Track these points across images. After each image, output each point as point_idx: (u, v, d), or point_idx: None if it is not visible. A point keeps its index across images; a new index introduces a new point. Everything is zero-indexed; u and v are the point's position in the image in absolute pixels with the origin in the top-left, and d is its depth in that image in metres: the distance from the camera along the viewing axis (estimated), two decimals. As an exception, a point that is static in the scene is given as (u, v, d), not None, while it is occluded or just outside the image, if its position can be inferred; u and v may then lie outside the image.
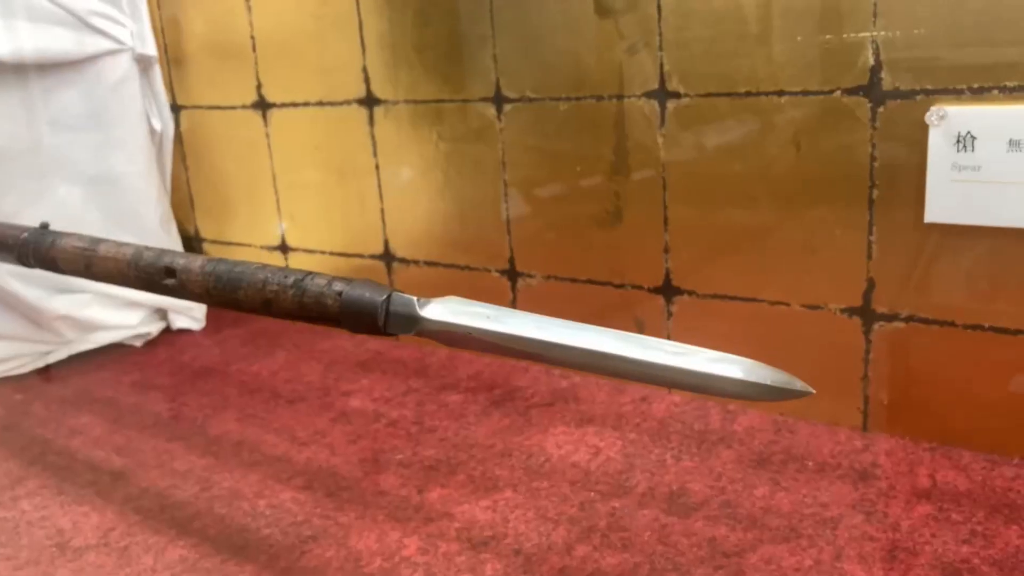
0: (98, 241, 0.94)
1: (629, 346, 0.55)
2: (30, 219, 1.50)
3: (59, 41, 1.50)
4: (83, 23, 1.52)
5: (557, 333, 0.58)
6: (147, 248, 0.88)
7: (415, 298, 0.67)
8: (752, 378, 0.51)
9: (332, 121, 1.47)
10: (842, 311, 1.05)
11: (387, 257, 1.49)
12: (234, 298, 0.78)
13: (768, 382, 0.51)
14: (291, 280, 0.74)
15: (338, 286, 0.71)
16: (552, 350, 0.58)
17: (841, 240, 1.04)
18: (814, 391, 0.50)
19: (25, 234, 1.03)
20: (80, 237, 0.97)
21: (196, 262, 0.82)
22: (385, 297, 0.68)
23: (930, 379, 1.02)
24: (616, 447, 1.07)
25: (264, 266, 0.77)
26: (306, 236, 1.60)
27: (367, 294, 0.69)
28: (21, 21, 1.44)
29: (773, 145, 1.05)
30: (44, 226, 1.04)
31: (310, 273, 0.74)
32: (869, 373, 1.05)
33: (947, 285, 0.98)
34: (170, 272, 0.83)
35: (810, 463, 1.00)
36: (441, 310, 0.65)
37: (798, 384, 0.51)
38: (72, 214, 1.58)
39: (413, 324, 0.67)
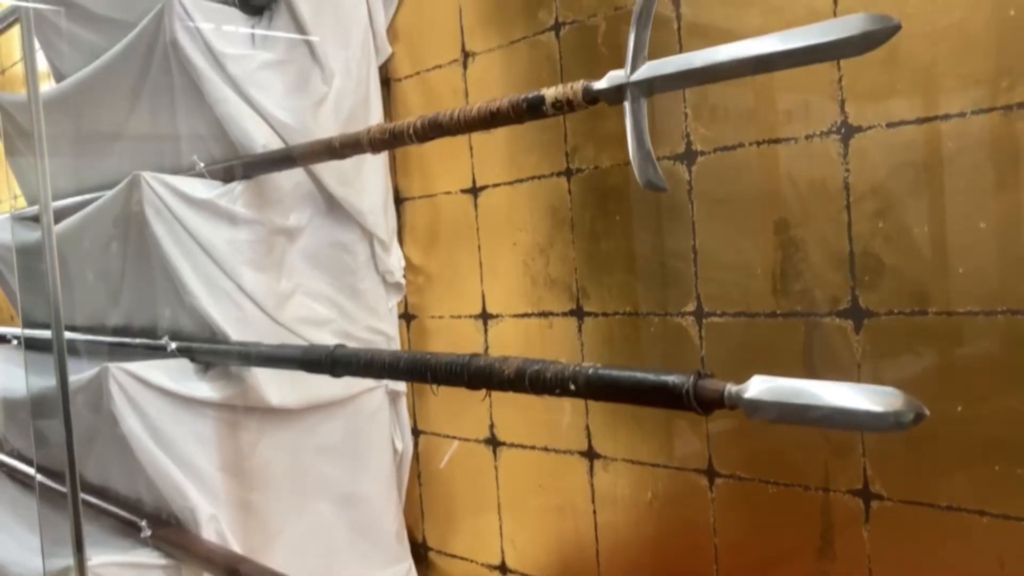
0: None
1: None
2: (292, 535, 1.78)
3: (332, 387, 1.81)
4: (351, 368, 1.83)
5: None
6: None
7: None
8: None
9: (555, 465, 1.68)
10: None
11: (600, 592, 1.63)
12: None
13: None
14: None
15: None
16: None
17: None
18: None
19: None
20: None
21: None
22: None
23: None
24: None
25: None
26: (524, 560, 1.77)
27: None
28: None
29: (977, 562, 1.14)
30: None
31: None
32: None
33: None
34: None
35: None
36: None
37: None
38: (324, 527, 1.84)
39: None
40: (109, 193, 1.75)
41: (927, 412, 0.76)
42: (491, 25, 1.71)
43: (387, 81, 1.94)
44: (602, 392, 0.99)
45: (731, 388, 0.87)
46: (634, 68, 1.05)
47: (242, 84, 1.68)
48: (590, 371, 0.99)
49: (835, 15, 1.23)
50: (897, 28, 0.85)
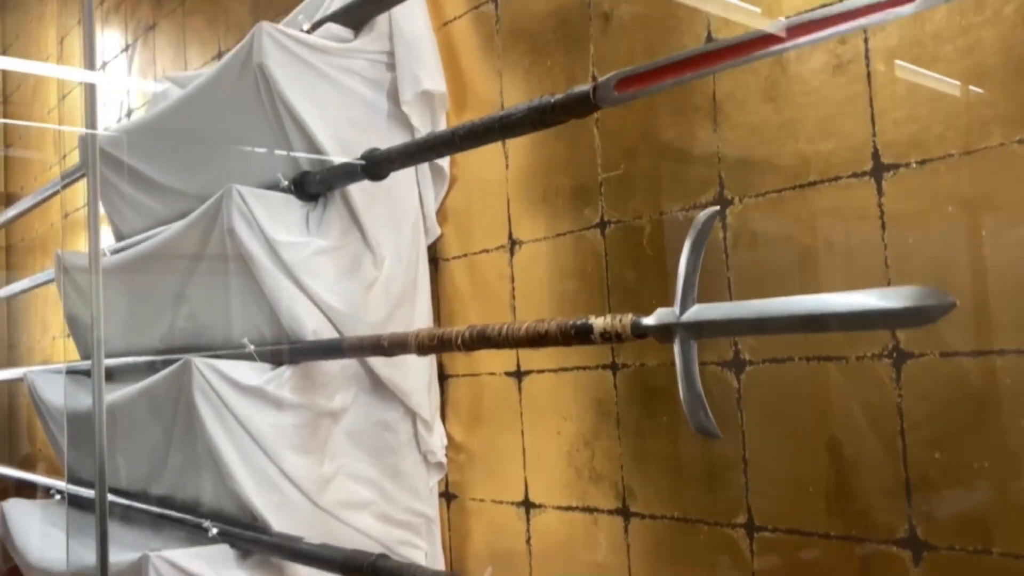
0: None
1: None
2: None
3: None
4: (390, 551, 1.80)
5: None
6: None
7: None
8: None
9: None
10: None
11: None
12: None
13: None
14: None
15: None
16: None
17: None
18: None
19: None
20: None
21: None
22: None
23: None
24: None
25: None
26: None
27: None
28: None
29: None
30: None
31: None
32: None
33: None
34: None
35: None
36: None
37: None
38: None
39: None
40: (160, 374, 1.79)
41: None
42: (538, 216, 1.74)
43: (435, 260, 1.97)
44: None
45: (790, 675, 0.83)
46: (683, 309, 1.06)
47: (295, 271, 1.72)
48: (640, 630, 0.96)
49: (882, 224, 1.23)
50: (952, 306, 0.84)
